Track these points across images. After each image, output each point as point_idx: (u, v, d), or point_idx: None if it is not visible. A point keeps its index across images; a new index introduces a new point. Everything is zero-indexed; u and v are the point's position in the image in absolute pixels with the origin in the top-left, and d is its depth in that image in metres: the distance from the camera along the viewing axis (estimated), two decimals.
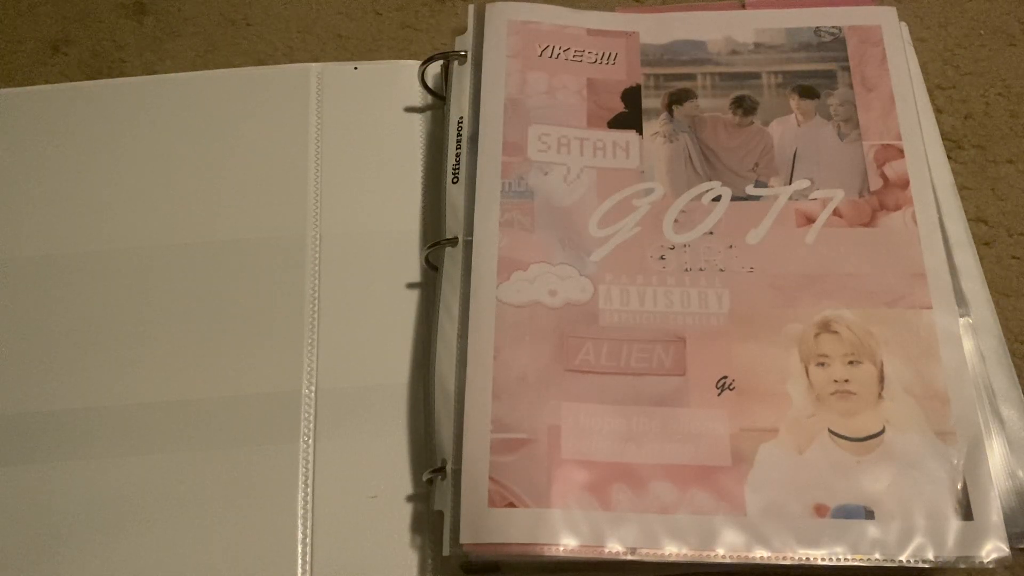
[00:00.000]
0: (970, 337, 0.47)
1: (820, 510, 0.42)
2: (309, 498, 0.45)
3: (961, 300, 0.48)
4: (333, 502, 0.45)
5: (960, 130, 0.56)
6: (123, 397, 0.47)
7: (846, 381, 0.45)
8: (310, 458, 0.46)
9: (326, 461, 0.46)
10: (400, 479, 0.46)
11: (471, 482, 0.43)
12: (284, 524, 0.44)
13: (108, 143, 0.54)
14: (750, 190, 0.50)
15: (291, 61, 0.59)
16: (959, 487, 0.42)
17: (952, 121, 0.56)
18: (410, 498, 0.45)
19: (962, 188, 0.53)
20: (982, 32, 0.59)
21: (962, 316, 0.47)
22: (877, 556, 0.41)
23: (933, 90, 0.56)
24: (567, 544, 0.42)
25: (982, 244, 0.52)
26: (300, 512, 0.45)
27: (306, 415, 0.47)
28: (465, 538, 0.42)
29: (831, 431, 0.44)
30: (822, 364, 0.46)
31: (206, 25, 0.61)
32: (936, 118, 0.54)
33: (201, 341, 0.49)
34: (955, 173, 0.53)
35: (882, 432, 0.44)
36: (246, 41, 0.60)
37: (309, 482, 0.45)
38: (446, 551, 0.42)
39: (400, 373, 0.48)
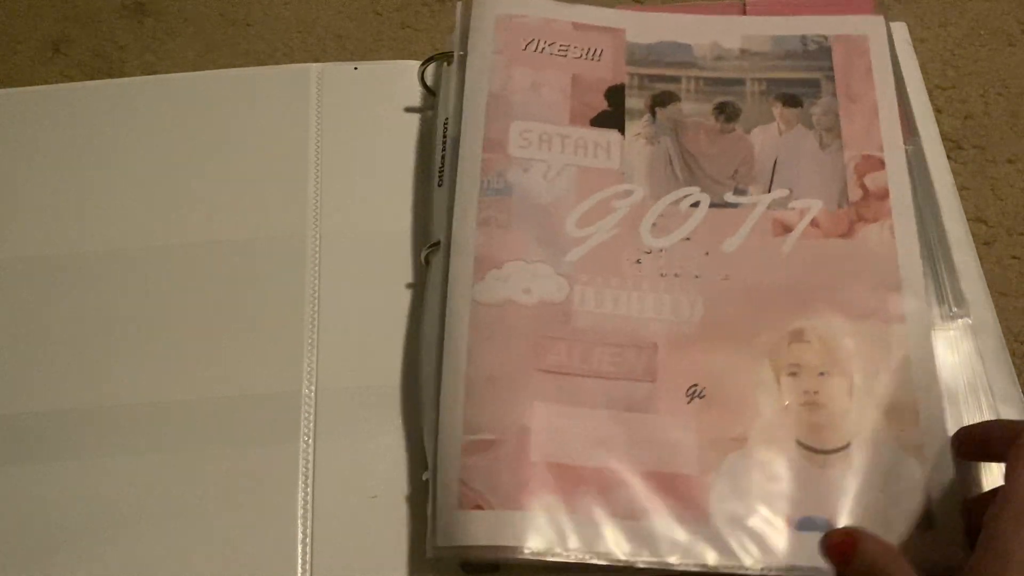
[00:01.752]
0: (969, 338, 0.47)
1: (784, 521, 0.42)
2: (309, 498, 0.45)
3: (960, 300, 0.48)
4: (333, 502, 0.45)
5: (960, 130, 0.56)
6: (123, 397, 0.47)
7: (816, 392, 0.45)
8: (310, 458, 0.46)
9: (326, 461, 0.46)
10: (400, 479, 0.46)
11: (444, 484, 0.43)
12: (284, 524, 0.44)
13: (108, 143, 0.54)
14: (729, 197, 0.50)
15: (291, 61, 0.59)
16: (923, 499, 0.42)
17: (952, 121, 0.56)
18: (410, 498, 0.45)
19: (962, 188, 0.53)
20: (982, 32, 0.59)
21: (961, 317, 0.47)
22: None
23: (933, 90, 0.56)
24: (529, 547, 0.41)
25: (982, 244, 0.52)
26: (300, 512, 0.45)
27: (306, 415, 0.47)
28: (439, 540, 0.42)
29: (799, 442, 0.44)
30: (793, 374, 0.45)
31: (206, 25, 0.61)
32: (936, 118, 0.54)
33: (201, 341, 0.49)
34: (955, 173, 0.53)
35: (848, 445, 0.44)
36: (246, 41, 0.60)
37: (309, 482, 0.45)
38: (428, 554, 0.42)
39: (400, 373, 0.48)
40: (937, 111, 0.55)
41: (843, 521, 0.42)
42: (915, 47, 0.56)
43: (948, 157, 0.53)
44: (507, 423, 0.44)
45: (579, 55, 0.53)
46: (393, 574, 0.44)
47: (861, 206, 0.49)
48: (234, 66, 0.58)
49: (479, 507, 0.42)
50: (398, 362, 0.48)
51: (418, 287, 0.50)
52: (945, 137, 0.54)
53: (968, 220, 0.51)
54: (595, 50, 0.53)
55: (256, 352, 0.48)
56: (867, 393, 0.45)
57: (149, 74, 0.59)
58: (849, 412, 0.44)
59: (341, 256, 0.51)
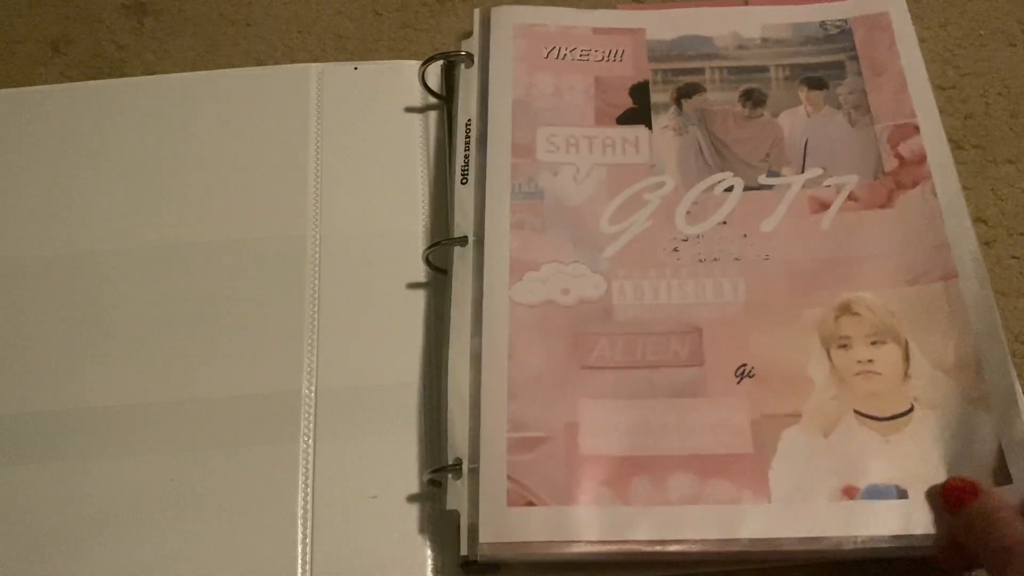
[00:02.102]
0: None
1: (849, 491, 0.42)
2: (309, 498, 0.45)
3: None
4: (333, 502, 0.45)
5: (960, 130, 0.56)
6: (123, 397, 0.47)
7: (870, 361, 0.45)
8: (310, 458, 0.46)
9: (326, 461, 0.46)
10: (400, 479, 0.46)
11: (489, 481, 0.43)
12: (284, 524, 0.44)
13: (108, 143, 0.54)
14: (762, 180, 0.50)
15: (291, 61, 0.59)
16: (995, 451, 0.42)
17: (952, 121, 0.56)
18: (410, 498, 0.45)
19: (962, 188, 0.53)
20: (982, 32, 0.59)
21: None
22: (912, 534, 0.41)
23: (933, 90, 0.56)
24: (588, 540, 0.41)
25: (982, 244, 0.52)
26: (300, 512, 0.45)
27: (306, 415, 0.47)
28: (485, 537, 0.42)
29: (857, 412, 0.44)
30: (844, 346, 0.45)
31: (206, 25, 0.61)
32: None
33: (201, 341, 0.49)
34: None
35: (911, 410, 0.44)
36: (246, 41, 0.60)
37: (309, 482, 0.45)
38: (464, 550, 0.42)
39: (400, 373, 0.48)
40: (937, 111, 0.55)
41: (915, 486, 0.42)
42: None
43: None
44: (554, 420, 0.44)
45: (600, 57, 0.54)
46: (393, 574, 0.44)
47: (898, 175, 0.49)
48: (234, 66, 0.58)
49: (530, 503, 0.42)
50: (398, 362, 0.48)
51: (422, 286, 0.50)
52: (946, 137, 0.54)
53: (968, 220, 0.51)
54: (616, 51, 0.54)
55: (256, 352, 0.48)
56: (925, 354, 0.45)
57: (149, 74, 0.58)
58: (906, 378, 0.44)
59: (341, 256, 0.51)
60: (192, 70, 0.58)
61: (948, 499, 0.40)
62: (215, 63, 0.59)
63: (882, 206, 0.49)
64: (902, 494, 0.42)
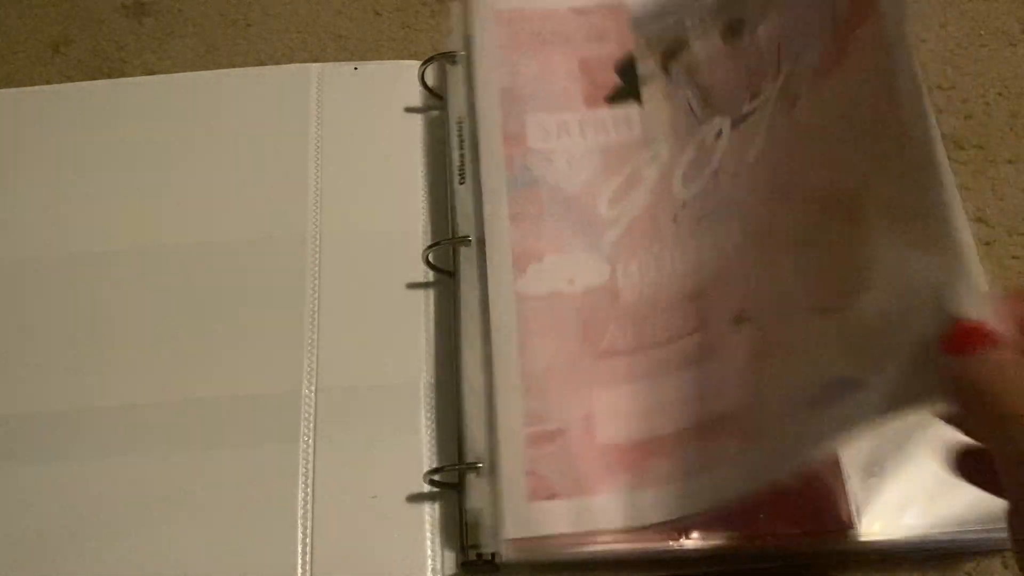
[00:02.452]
0: None
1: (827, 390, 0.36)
2: (309, 498, 0.45)
3: None
4: (333, 502, 0.45)
5: (960, 130, 0.56)
6: (123, 397, 0.47)
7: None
8: (310, 458, 0.46)
9: (326, 461, 0.46)
10: (400, 479, 0.46)
11: (510, 477, 0.42)
12: (284, 524, 0.44)
13: (108, 143, 0.54)
14: (746, 108, 0.47)
15: (291, 61, 0.59)
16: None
17: (952, 121, 0.56)
18: (410, 498, 0.45)
19: (962, 188, 0.53)
20: (982, 32, 0.59)
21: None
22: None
23: (933, 90, 0.56)
24: (611, 527, 0.41)
25: (982, 244, 0.52)
26: (300, 512, 0.45)
27: (306, 415, 0.47)
28: (511, 533, 0.41)
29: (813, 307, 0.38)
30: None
31: (206, 25, 0.61)
32: (936, 118, 0.54)
33: (201, 341, 0.49)
34: (955, 173, 0.53)
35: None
36: (246, 41, 0.60)
37: (309, 482, 0.45)
38: (491, 548, 0.42)
39: (400, 373, 0.48)
40: (937, 111, 0.55)
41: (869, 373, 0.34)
42: (915, 48, 0.56)
43: (948, 157, 0.53)
44: (571, 411, 0.43)
45: (584, 38, 0.52)
46: (393, 574, 0.44)
47: (851, 12, 0.40)
48: (234, 66, 0.58)
49: (552, 496, 0.42)
50: (398, 362, 0.48)
51: (422, 286, 0.50)
52: (945, 137, 0.54)
53: (968, 220, 0.51)
54: (599, 29, 0.53)
55: (256, 352, 0.48)
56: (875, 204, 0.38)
57: (149, 74, 0.58)
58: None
59: (341, 256, 0.51)
60: (192, 70, 0.58)
61: (954, 342, 0.30)
62: (215, 63, 0.59)
63: (838, 63, 0.40)
64: (858, 385, 0.34)
